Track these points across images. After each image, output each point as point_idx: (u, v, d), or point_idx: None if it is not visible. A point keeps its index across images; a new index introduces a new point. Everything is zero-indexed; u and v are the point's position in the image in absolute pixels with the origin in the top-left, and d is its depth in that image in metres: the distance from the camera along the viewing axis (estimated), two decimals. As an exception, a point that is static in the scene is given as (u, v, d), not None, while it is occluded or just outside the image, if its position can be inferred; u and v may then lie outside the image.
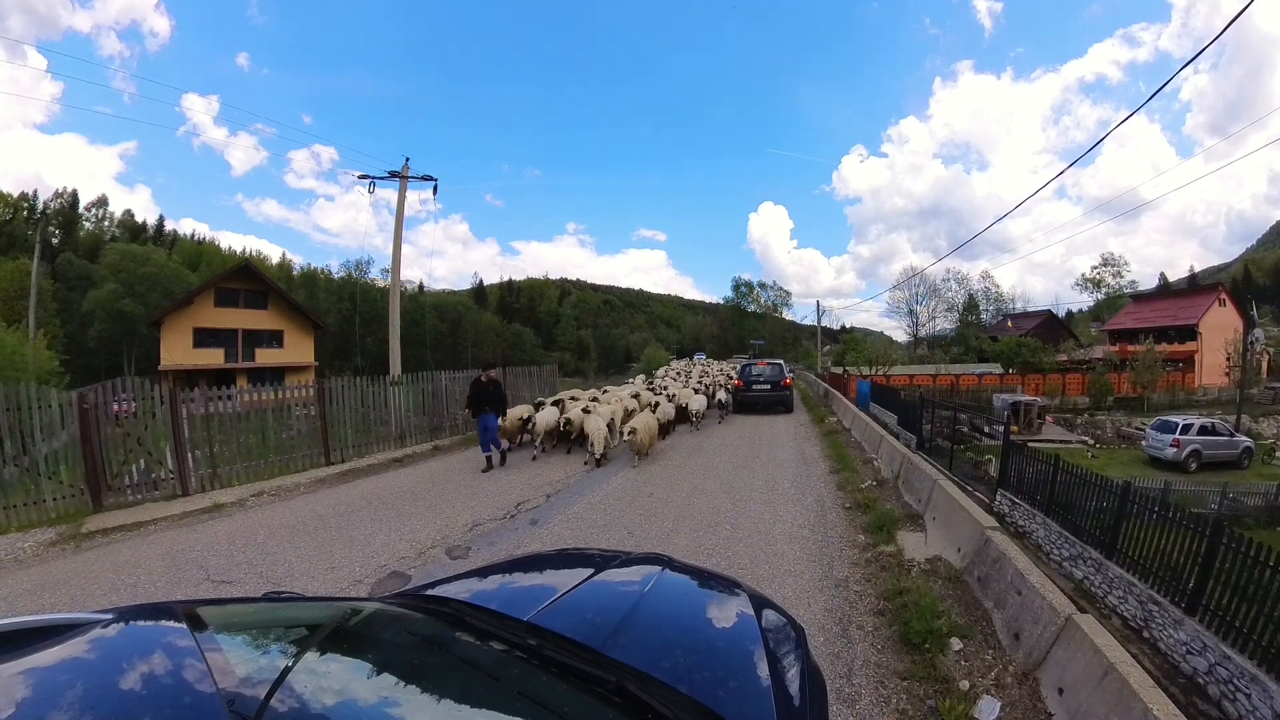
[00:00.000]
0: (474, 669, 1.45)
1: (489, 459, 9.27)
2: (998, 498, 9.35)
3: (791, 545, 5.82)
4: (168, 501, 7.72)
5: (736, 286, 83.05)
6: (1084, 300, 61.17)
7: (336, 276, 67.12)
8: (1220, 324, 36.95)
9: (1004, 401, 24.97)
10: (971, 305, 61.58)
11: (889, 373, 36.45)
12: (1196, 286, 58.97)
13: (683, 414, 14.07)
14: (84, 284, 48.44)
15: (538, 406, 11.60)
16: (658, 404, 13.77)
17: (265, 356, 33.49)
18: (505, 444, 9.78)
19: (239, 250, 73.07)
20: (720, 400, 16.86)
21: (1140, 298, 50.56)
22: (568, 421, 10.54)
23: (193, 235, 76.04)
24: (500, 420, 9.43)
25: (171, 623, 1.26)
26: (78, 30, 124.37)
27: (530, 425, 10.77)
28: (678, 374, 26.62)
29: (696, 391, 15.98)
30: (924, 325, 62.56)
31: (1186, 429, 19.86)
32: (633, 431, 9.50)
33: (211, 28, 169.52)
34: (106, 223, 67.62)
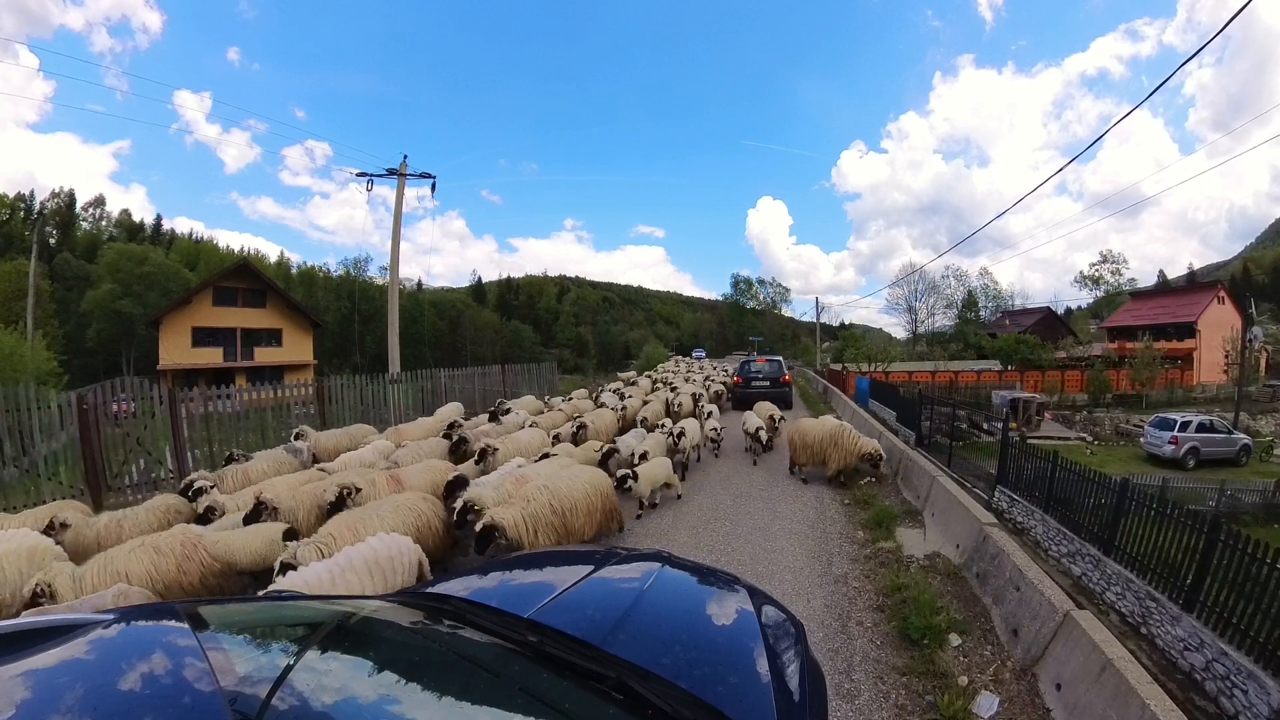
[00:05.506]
0: (475, 666, 1.46)
1: None
2: (996, 494, 9.37)
3: (791, 541, 5.84)
4: (167, 501, 7.72)
5: (735, 283, 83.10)
6: (1083, 297, 61.21)
7: (335, 274, 66.91)
8: (1219, 321, 37.01)
9: (1003, 398, 25.00)
10: (970, 302, 61.55)
11: (888, 369, 36.39)
12: (1195, 284, 59.01)
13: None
14: (82, 284, 48.26)
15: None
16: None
17: (264, 355, 33.40)
18: None
19: (236, 249, 72.62)
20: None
21: (1139, 295, 50.56)
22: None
23: (190, 234, 75.71)
24: None
25: (173, 622, 1.27)
26: (70, 28, 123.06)
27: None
28: (630, 382, 18.00)
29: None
30: (923, 322, 62.50)
31: (1185, 426, 19.87)
32: None
33: (202, 22, 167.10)
34: (104, 222, 67.41)
